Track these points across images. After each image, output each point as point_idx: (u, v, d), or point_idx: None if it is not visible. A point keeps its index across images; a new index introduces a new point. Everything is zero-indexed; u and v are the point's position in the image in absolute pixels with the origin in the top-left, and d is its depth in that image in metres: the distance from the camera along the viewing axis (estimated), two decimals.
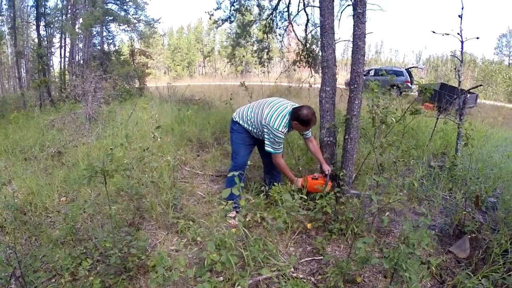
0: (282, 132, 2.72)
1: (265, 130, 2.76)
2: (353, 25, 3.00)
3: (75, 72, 11.36)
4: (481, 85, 5.08)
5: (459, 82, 3.79)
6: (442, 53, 51.00)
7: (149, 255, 2.32)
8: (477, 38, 3.62)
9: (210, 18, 7.36)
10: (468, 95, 12.90)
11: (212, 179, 3.86)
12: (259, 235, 2.28)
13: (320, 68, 4.14)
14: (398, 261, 1.89)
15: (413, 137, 4.91)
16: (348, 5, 3.86)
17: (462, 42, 3.60)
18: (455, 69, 3.85)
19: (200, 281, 1.80)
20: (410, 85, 16.06)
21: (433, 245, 2.54)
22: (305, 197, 2.44)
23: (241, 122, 2.98)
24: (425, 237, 2.00)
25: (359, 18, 2.94)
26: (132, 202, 2.92)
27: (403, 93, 15.97)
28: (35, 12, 14.73)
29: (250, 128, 2.95)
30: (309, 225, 2.63)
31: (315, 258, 2.41)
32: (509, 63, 35.56)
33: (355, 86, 2.85)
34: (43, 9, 14.87)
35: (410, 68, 18.13)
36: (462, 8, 3.65)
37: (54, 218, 2.99)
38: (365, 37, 2.99)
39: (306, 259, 2.40)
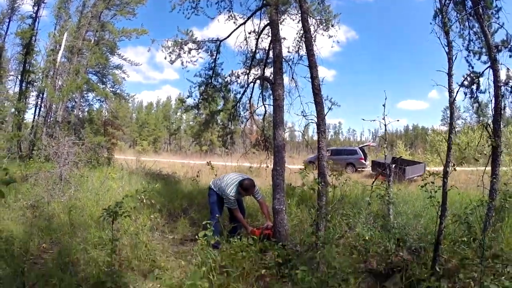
0: (232, 196, 4.30)
1: (224, 196, 4.36)
2: (317, 139, 3.98)
3: (49, 132, 11.66)
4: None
5: (385, 156, 4.93)
6: (395, 129, 58.50)
7: None
8: (397, 120, 4.84)
9: (182, 104, 8.13)
10: (418, 164, 14.30)
11: (181, 243, 4.44)
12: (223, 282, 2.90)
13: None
14: None
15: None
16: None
17: (385, 125, 4.31)
18: (386, 147, 5.02)
19: None
20: (363, 162, 17.81)
21: (369, 281, 3.20)
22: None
23: (215, 189, 4.55)
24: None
25: (321, 134, 3.95)
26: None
27: (358, 169, 17.65)
28: (21, 66, 15.23)
29: (219, 193, 4.49)
30: (263, 272, 3.25)
31: None
32: (455, 132, 40.08)
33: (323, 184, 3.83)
34: (28, 66, 15.48)
35: (364, 146, 20.17)
36: (385, 99, 4.31)
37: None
38: (326, 147, 4.10)
39: None
